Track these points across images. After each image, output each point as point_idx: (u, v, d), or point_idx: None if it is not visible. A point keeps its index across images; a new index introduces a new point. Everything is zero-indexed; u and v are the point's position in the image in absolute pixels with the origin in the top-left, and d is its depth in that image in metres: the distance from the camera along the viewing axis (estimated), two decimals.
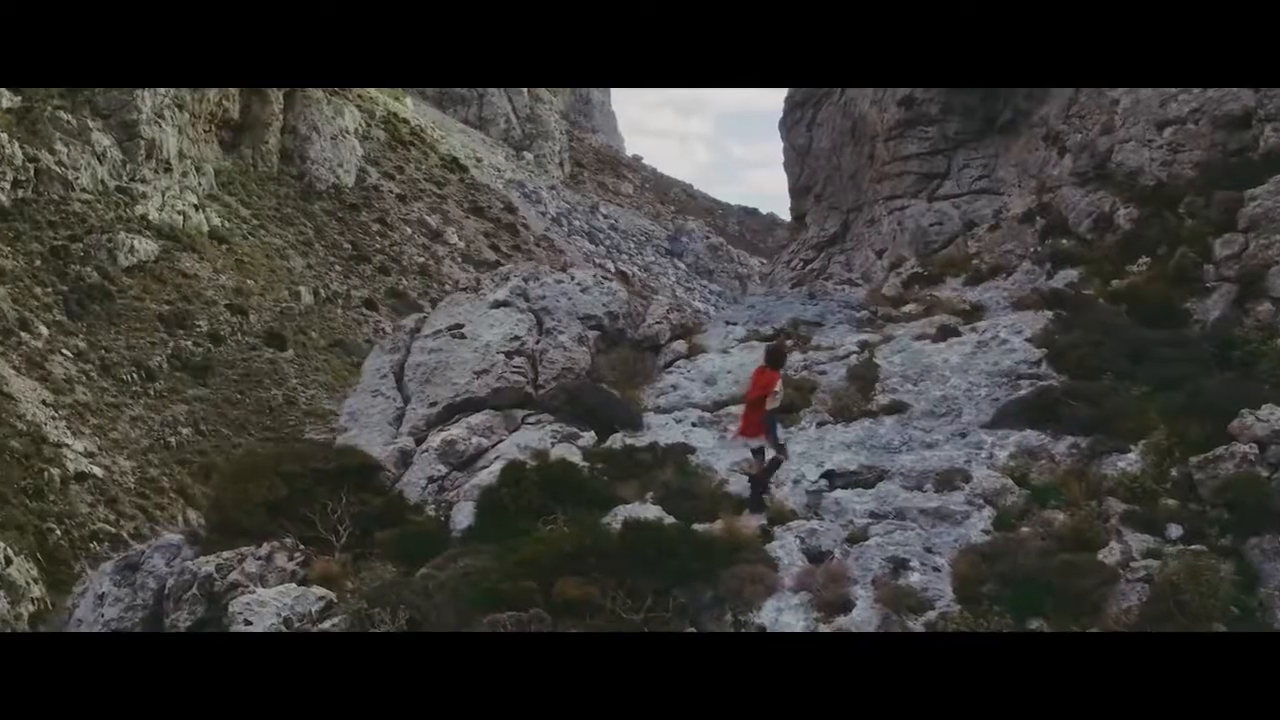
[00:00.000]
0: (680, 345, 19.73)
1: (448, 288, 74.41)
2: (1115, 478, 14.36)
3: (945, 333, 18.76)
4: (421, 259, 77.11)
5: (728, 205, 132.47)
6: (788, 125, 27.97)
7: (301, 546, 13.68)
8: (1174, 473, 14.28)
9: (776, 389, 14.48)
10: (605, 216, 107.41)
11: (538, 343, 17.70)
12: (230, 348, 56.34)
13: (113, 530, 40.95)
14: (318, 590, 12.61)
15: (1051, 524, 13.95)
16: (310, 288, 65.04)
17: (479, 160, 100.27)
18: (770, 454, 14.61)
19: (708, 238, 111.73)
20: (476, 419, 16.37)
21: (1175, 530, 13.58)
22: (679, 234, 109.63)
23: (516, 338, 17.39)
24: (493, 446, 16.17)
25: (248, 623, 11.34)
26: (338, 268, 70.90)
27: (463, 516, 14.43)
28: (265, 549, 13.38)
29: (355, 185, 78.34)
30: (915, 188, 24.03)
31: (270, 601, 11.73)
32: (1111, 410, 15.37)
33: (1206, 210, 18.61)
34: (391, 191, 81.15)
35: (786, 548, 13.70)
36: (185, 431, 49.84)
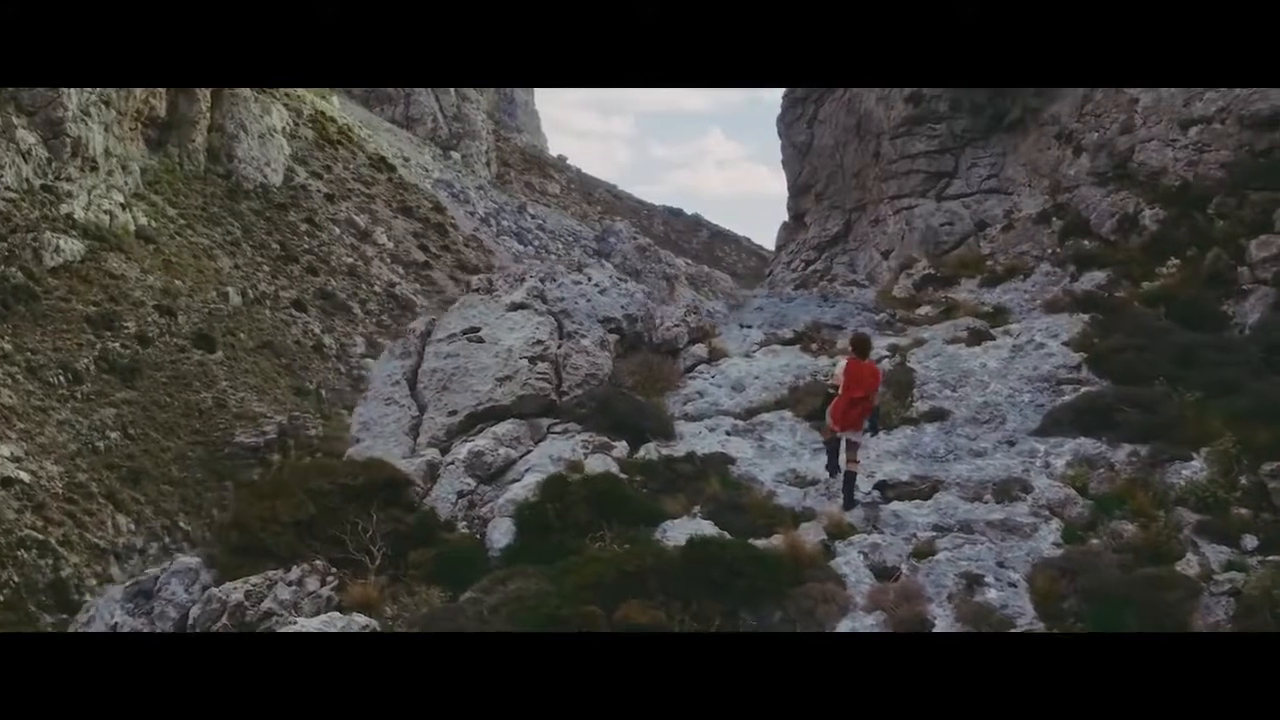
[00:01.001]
0: (700, 349, 19.23)
1: (376, 288, 73.80)
2: (1184, 487, 14.15)
3: (978, 336, 18.50)
4: (350, 259, 76.05)
5: (653, 206, 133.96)
6: (787, 122, 27.60)
7: (333, 569, 12.95)
8: (1243, 481, 14.16)
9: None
10: (533, 217, 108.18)
11: (559, 347, 17.07)
12: (158, 349, 54.98)
13: (40, 537, 39.67)
14: (359, 619, 11.90)
15: (1121, 535, 13.71)
16: (238, 288, 63.66)
17: (406, 160, 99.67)
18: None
19: (635, 238, 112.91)
20: (503, 429, 15.67)
21: (1251, 541, 13.43)
22: (607, 234, 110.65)
23: (539, 342, 16.71)
24: (521, 458, 15.49)
25: None
26: (265, 268, 69.56)
27: (500, 534, 13.75)
28: (295, 573, 12.60)
29: (283, 184, 77.08)
30: (923, 187, 23.79)
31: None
32: (1170, 417, 15.20)
33: (1239, 211, 18.61)
34: (319, 191, 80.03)
35: (851, 564, 13.26)
36: (114, 435, 48.47)
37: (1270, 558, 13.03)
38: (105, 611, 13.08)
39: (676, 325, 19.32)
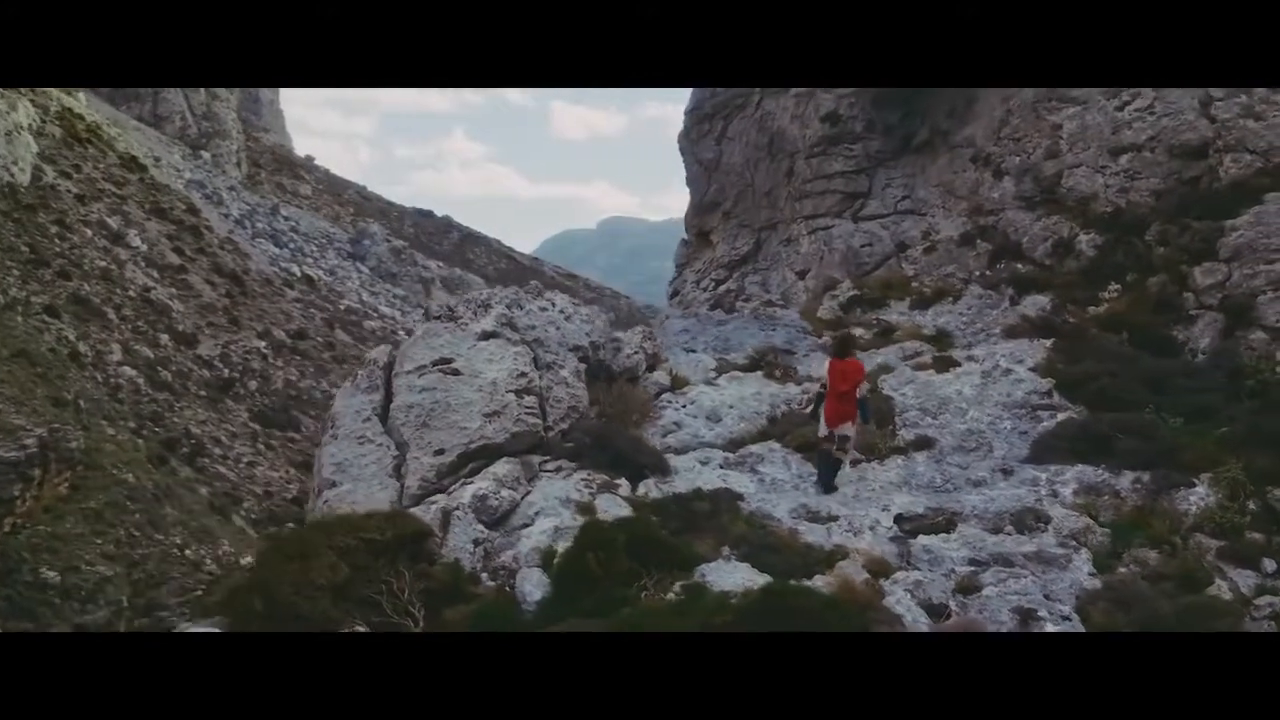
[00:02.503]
0: (661, 376, 18.84)
1: (131, 293, 70.08)
2: (1198, 513, 14.89)
3: (945, 363, 18.92)
4: (103, 263, 72.10)
5: (403, 207, 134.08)
6: (693, 139, 27.44)
7: None
8: (1251, 506, 15.02)
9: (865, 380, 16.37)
10: (286, 218, 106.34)
11: (541, 378, 16.37)
12: None
13: None
14: None
15: (1147, 563, 14.30)
16: None
17: (158, 160, 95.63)
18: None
19: (389, 240, 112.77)
20: (501, 469, 14.81)
21: (1270, 565, 14.24)
22: (361, 236, 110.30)
23: (523, 374, 15.96)
24: (523, 499, 14.79)
25: None
26: (15, 272, 65.02)
27: (532, 586, 12.99)
28: None
29: (31, 184, 72.40)
30: (839, 207, 24.20)
31: None
32: (1166, 443, 15.97)
33: (1181, 238, 19.82)
34: (70, 191, 75.63)
35: (903, 602, 13.22)
36: None
37: None
38: None
39: (635, 352, 18.88)
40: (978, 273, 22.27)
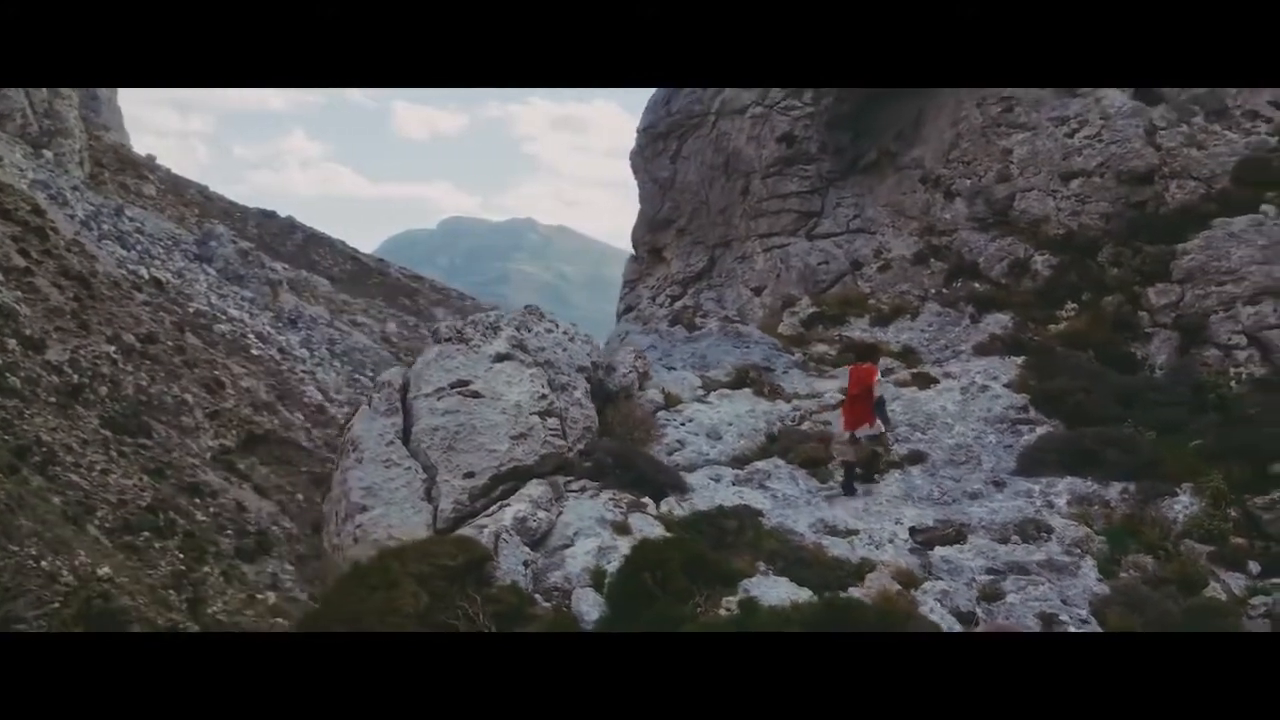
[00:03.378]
0: (655, 394, 19.52)
1: None
2: (1186, 521, 16.26)
3: (925, 380, 20.05)
4: None
5: (245, 208, 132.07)
6: (647, 157, 28.13)
7: None
8: (1232, 513, 16.47)
9: (879, 378, 17.56)
10: (132, 219, 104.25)
11: (559, 400, 16.88)
12: None
13: None
14: None
15: (1145, 569, 15.58)
16: None
17: (0, 159, 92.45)
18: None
19: (235, 242, 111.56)
20: (535, 491, 15.27)
21: (1255, 567, 15.67)
22: (207, 238, 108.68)
23: (544, 396, 16.44)
24: (557, 520, 15.30)
25: None
26: None
27: (588, 606, 13.52)
28: None
29: None
30: (794, 225, 25.23)
31: None
32: (1149, 456, 17.34)
33: (1133, 260, 21.37)
34: None
35: (935, 611, 14.17)
36: None
37: (1274, 580, 15.35)
38: None
39: (630, 371, 19.52)
40: (933, 290, 23.55)
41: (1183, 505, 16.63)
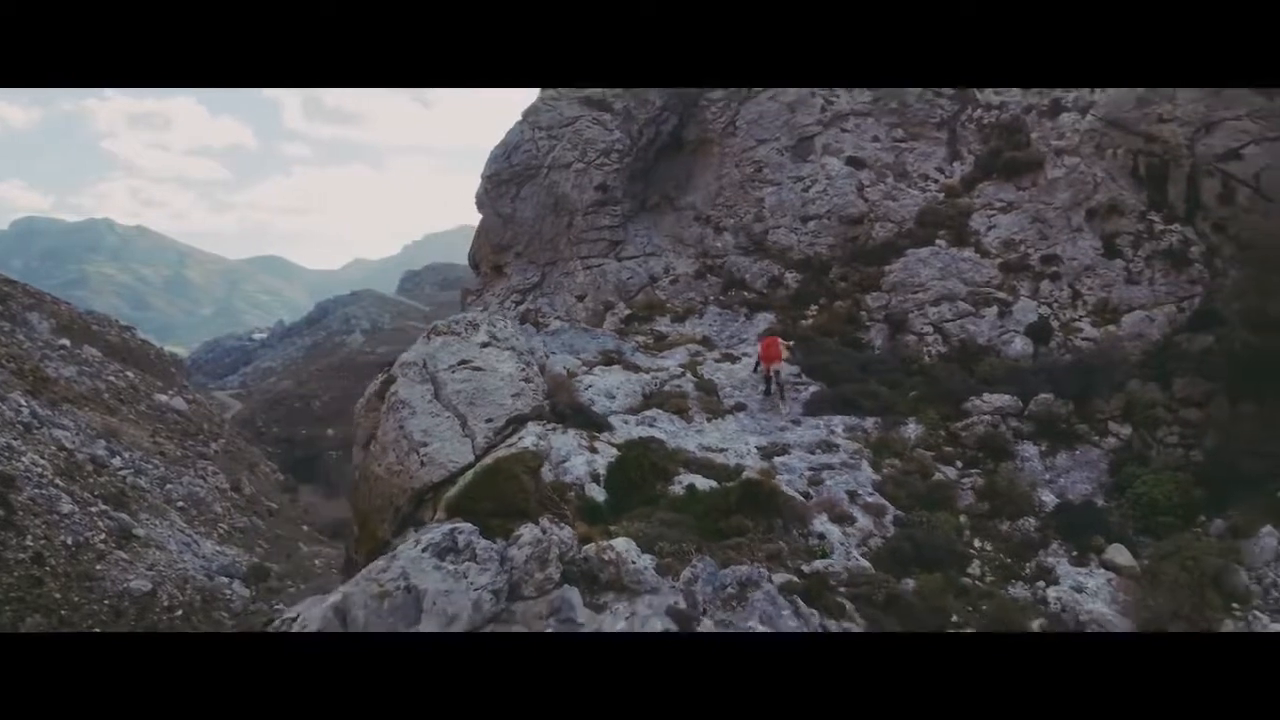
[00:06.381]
0: (560, 370, 27.29)
1: None
2: (915, 439, 26.06)
3: (731, 358, 29.04)
4: None
5: None
6: (493, 197, 35.33)
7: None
8: (941, 433, 26.49)
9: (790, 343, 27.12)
10: None
11: (529, 371, 24.44)
12: None
13: None
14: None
15: (897, 466, 25.21)
16: None
17: None
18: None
19: None
20: (534, 429, 22.80)
21: (959, 464, 25.72)
22: None
23: (524, 369, 24.00)
24: (550, 447, 22.89)
25: None
26: None
27: (597, 491, 21.37)
28: (543, 523, 19.19)
29: None
30: (606, 250, 33.46)
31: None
32: (888, 401, 27.14)
33: (854, 277, 31.35)
34: None
35: (788, 489, 23.11)
36: None
37: (974, 469, 25.40)
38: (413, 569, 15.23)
39: (544, 355, 27.27)
40: (713, 297, 32.52)
41: (911, 429, 26.23)
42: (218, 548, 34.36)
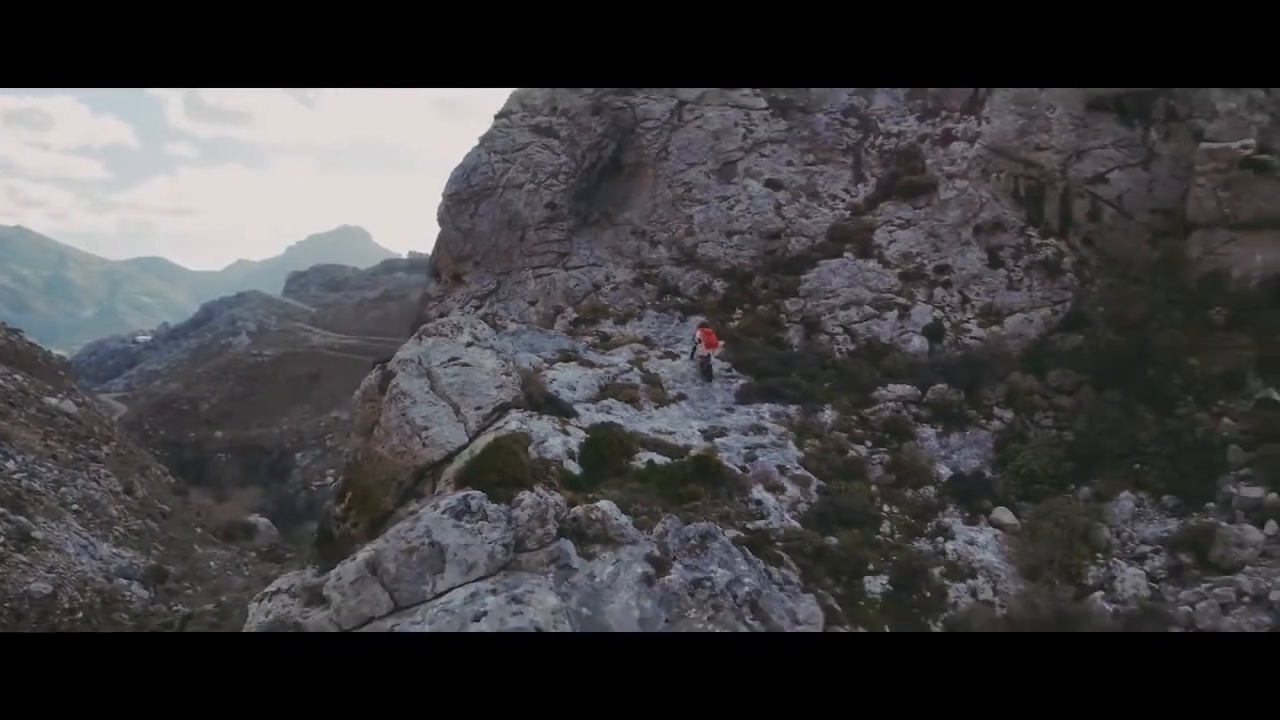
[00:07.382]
0: (527, 365, 31.23)
1: None
2: (831, 423, 30.49)
3: (671, 355, 33.28)
4: None
5: None
6: (453, 214, 39.11)
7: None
8: (854, 418, 31.05)
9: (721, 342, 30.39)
10: None
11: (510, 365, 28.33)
12: None
13: None
14: None
15: (817, 445, 29.68)
16: None
17: None
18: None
19: None
20: (517, 415, 26.72)
21: (869, 444, 30.33)
22: None
23: (506, 364, 27.89)
24: (531, 429, 26.85)
25: None
26: None
27: (574, 466, 25.43)
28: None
29: None
30: (554, 260, 37.46)
31: None
32: (807, 391, 31.59)
33: (774, 285, 35.80)
34: None
35: (729, 464, 27.40)
36: None
37: (883, 448, 30.02)
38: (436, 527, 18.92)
39: (517, 352, 31.17)
40: (650, 303, 36.61)
41: (828, 415, 30.43)
42: (115, 550, 34.46)
